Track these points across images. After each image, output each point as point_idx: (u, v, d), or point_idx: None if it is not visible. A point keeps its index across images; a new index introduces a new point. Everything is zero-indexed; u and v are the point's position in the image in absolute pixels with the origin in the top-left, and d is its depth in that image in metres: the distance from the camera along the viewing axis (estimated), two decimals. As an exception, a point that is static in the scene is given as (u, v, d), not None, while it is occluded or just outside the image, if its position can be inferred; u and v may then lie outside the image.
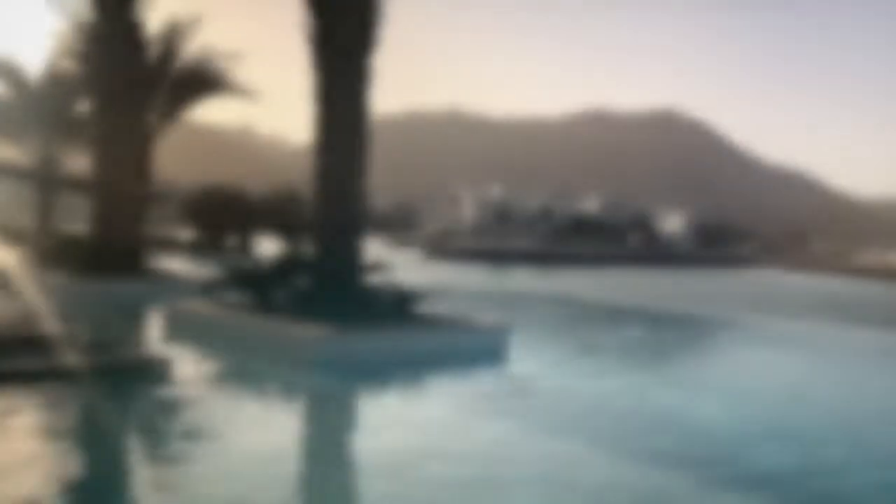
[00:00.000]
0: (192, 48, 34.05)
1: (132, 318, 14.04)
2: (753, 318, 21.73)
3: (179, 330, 11.59)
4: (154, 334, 12.23)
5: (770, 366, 11.95)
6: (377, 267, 13.09)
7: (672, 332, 15.88)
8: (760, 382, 10.32)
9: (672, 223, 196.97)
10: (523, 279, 68.66)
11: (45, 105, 32.67)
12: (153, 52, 30.11)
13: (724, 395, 9.33)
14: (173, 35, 33.59)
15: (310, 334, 9.36)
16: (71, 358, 8.12)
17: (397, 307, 11.14)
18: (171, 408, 7.23)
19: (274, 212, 32.50)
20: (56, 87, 32.39)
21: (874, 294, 74.09)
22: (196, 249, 36.91)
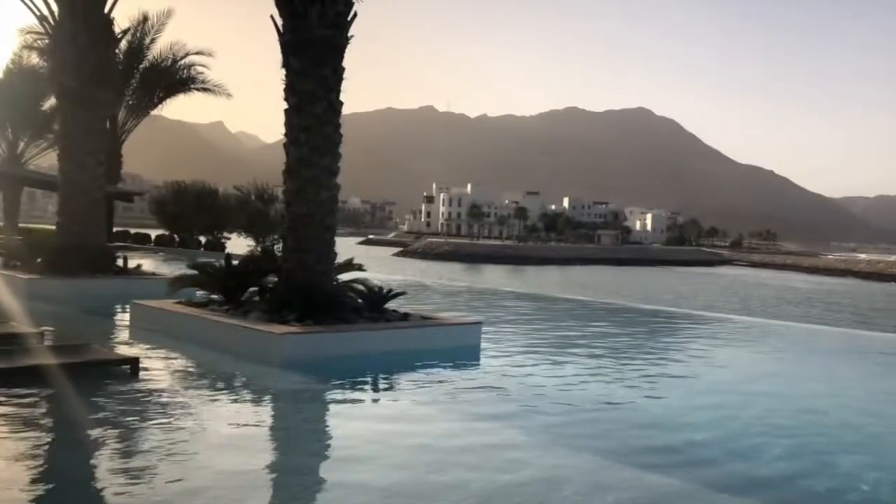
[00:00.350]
0: (162, 44, 33.88)
1: (100, 316, 13.92)
2: (716, 314, 22.01)
3: (147, 328, 11.51)
4: (122, 333, 12.13)
5: (730, 359, 12.15)
6: (349, 265, 13.09)
7: (636, 329, 16.05)
8: (719, 376, 10.49)
9: (644, 221, 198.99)
10: (495, 277, 68.60)
11: (10, 101, 32.22)
12: (122, 47, 29.86)
13: (674, 386, 9.49)
14: (142, 31, 33.34)
15: (277, 332, 9.33)
16: (37, 356, 8.05)
17: (368, 305, 11.16)
18: (137, 405, 7.19)
19: (246, 209, 32.27)
20: (22, 83, 31.97)
21: (841, 290, 74.86)
22: (167, 247, 36.61)
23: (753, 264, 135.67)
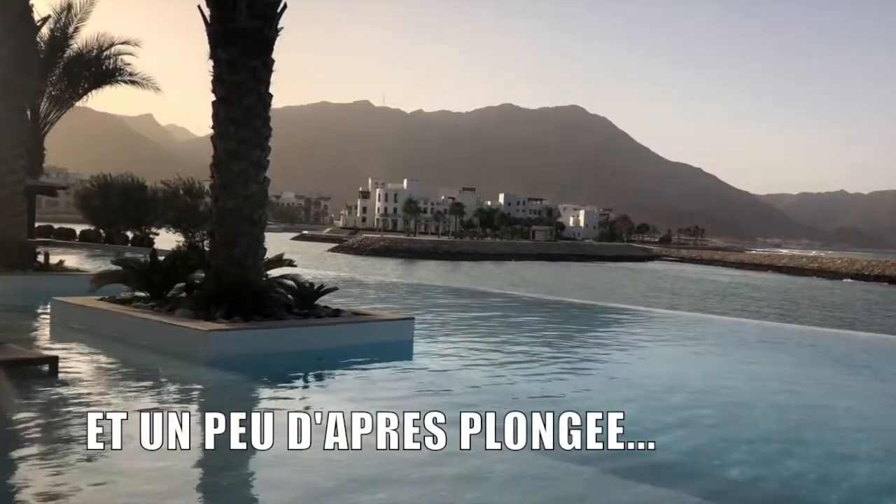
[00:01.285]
0: (88, 34, 32.78)
1: (18, 314, 13.40)
2: (642, 307, 22.54)
3: (68, 326, 11.16)
4: (41, 331, 11.73)
5: (652, 349, 12.49)
6: (279, 260, 12.94)
7: (565, 323, 16.33)
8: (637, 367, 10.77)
9: (577, 218, 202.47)
10: (430, 273, 68.63)
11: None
12: (43, 35, 28.78)
13: (597, 376, 9.73)
14: (66, 19, 32.18)
15: (203, 329, 9.15)
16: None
17: (299, 301, 11.05)
18: (54, 405, 6.97)
19: (174, 204, 31.53)
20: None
21: (762, 284, 77.31)
22: (92, 242, 35.48)
23: (682, 259, 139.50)
